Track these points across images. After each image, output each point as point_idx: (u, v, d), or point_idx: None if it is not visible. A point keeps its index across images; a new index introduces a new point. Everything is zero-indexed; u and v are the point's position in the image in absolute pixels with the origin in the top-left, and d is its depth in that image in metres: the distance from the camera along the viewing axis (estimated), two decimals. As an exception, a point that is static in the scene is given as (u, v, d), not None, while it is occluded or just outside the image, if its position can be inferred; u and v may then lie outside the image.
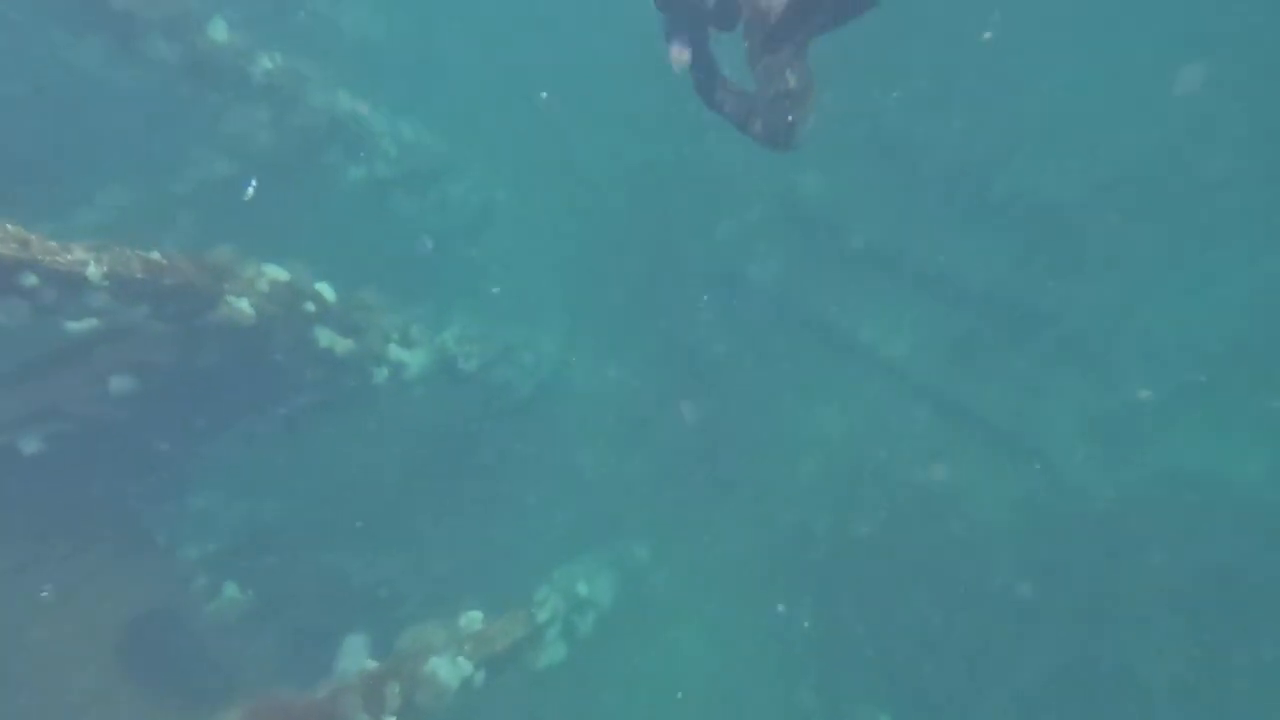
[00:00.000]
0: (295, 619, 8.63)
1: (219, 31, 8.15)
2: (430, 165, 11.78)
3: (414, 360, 7.81)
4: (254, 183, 9.48)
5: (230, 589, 7.85)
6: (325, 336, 6.70)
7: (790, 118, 3.07)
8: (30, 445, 6.02)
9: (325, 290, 6.74)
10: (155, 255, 5.26)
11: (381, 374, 7.46)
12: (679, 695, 9.59)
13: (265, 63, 8.66)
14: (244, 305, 5.90)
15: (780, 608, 9.62)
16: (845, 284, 11.48)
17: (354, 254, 9.73)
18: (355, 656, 6.12)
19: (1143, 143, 11.90)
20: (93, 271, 4.74)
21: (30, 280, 4.48)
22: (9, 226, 4.45)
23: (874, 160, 12.26)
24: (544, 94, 13.35)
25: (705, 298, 11.85)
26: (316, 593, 9.23)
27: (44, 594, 6.52)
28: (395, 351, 7.60)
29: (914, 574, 9.15)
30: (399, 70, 12.59)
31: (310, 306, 6.60)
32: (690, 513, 10.42)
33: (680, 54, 3.15)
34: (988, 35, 11.33)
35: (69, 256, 4.63)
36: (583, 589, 10.01)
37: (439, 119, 12.19)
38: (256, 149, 9.04)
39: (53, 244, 4.58)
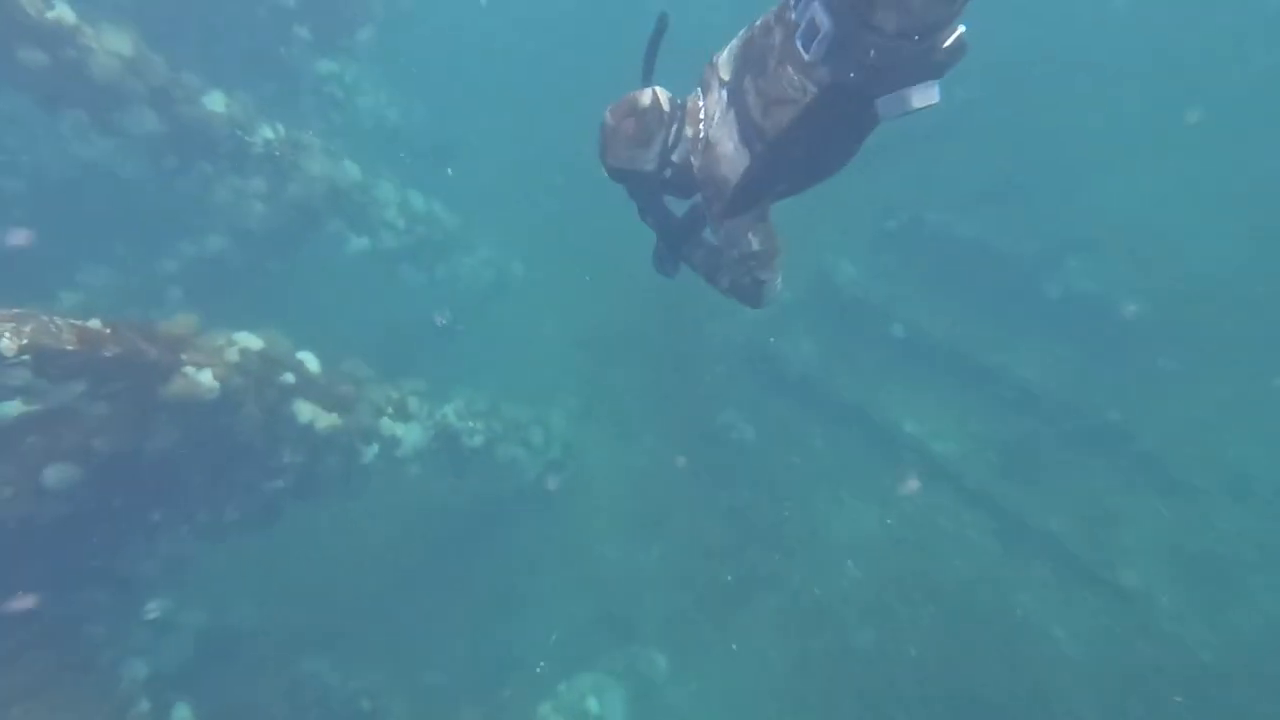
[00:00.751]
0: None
1: (216, 103, 7.72)
2: (440, 238, 11.26)
3: (409, 436, 6.96)
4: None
5: (181, 711, 6.78)
6: (306, 411, 5.90)
7: (758, 277, 2.99)
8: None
9: (309, 360, 5.98)
10: (94, 323, 4.52)
11: (371, 451, 6.61)
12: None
13: (266, 133, 8.22)
14: (205, 378, 5.12)
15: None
16: (886, 372, 10.65)
17: (350, 326, 9.10)
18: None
19: (1221, 249, 11.30)
20: (6, 344, 3.99)
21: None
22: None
23: (914, 252, 11.68)
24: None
25: (731, 375, 11.04)
26: (288, 709, 8.14)
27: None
28: (388, 426, 6.76)
29: (971, 706, 7.87)
30: (413, 148, 12.30)
31: (289, 378, 5.82)
32: (715, 617, 9.25)
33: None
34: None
35: (-16, 321, 3.90)
36: (593, 706, 8.80)
37: (453, 194, 11.78)
38: (252, 220, 8.53)
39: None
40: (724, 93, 2.83)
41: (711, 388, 11.22)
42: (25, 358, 4.09)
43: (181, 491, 6.13)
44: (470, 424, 8.78)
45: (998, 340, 10.48)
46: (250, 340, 5.58)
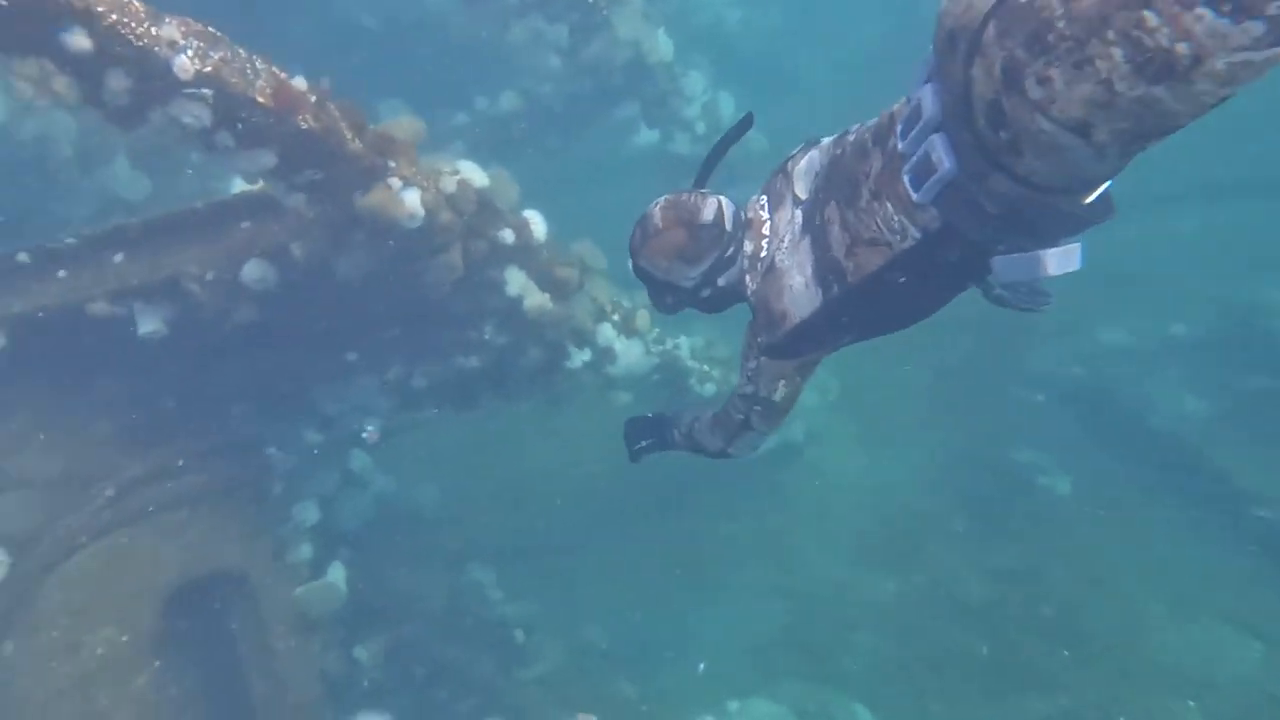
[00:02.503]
0: (397, 635, 6.90)
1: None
2: (739, 159, 9.78)
3: (628, 354, 5.67)
4: None
5: (338, 570, 6.27)
6: (517, 282, 4.81)
7: (752, 424, 2.60)
8: (148, 323, 4.82)
9: (536, 222, 4.85)
10: (299, 81, 3.65)
11: (580, 357, 5.43)
12: None
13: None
14: (411, 198, 4.16)
15: None
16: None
17: (604, 224, 8.06)
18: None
19: None
20: (183, 64, 3.19)
21: (83, 42, 3.01)
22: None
23: None
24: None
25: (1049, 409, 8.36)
26: (443, 610, 7.54)
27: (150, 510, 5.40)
28: (607, 334, 5.50)
29: None
30: (741, 54, 10.90)
31: (507, 236, 4.74)
32: (951, 695, 6.98)
33: None
34: None
35: (154, 30, 3.11)
36: (759, 746, 7.11)
37: (768, 120, 10.22)
38: (546, 80, 7.73)
39: (138, 6, 3.10)
40: (798, 213, 2.41)
41: (1016, 417, 8.64)
42: (206, 92, 3.31)
43: (373, 335, 5.42)
44: (704, 368, 7.32)
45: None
46: (474, 174, 4.54)
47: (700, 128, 9.02)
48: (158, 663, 4.95)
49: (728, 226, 2.50)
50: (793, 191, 2.44)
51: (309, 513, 6.38)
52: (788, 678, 7.38)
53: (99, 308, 4.74)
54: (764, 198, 2.56)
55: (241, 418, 6.10)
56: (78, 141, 6.46)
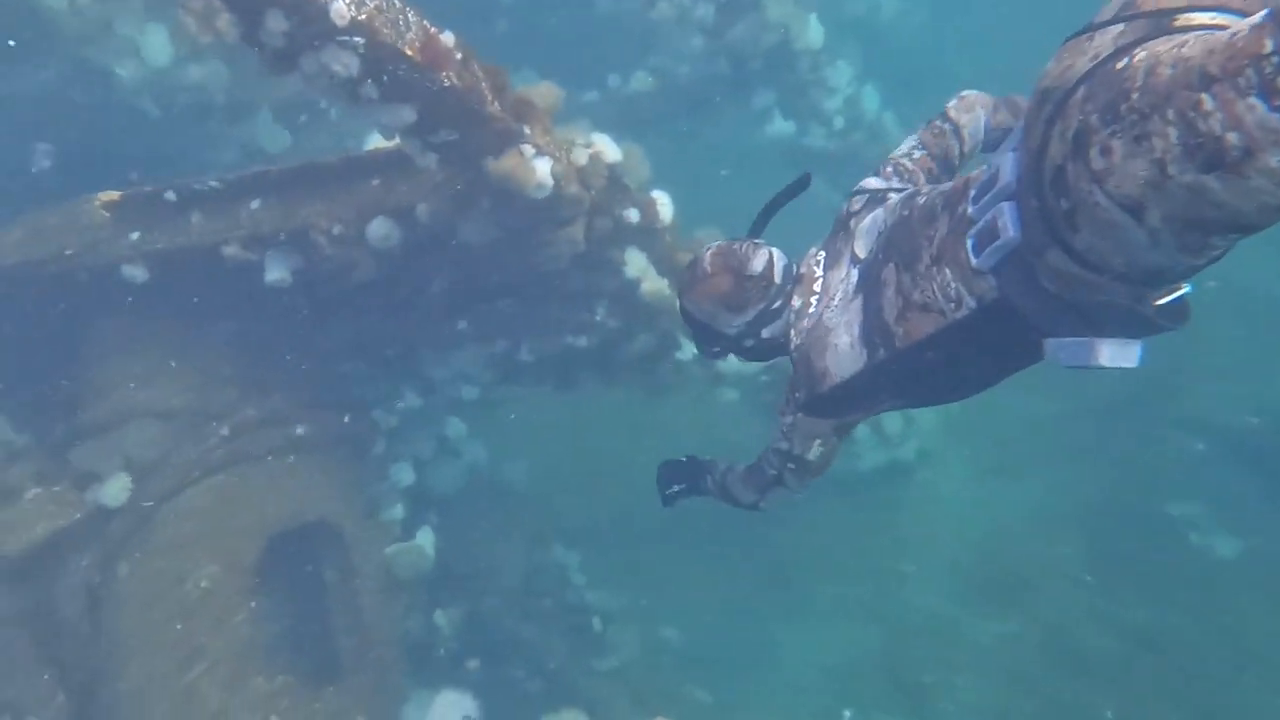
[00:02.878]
0: (476, 607, 6.89)
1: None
2: (876, 158, 9.25)
3: (742, 351, 5.36)
4: None
5: (426, 535, 6.29)
6: (636, 264, 4.60)
7: (785, 481, 2.55)
8: (275, 270, 4.89)
9: (663, 204, 4.61)
10: (447, 38, 3.53)
11: (691, 349, 5.18)
12: None
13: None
14: (541, 166, 3.99)
15: None
16: None
17: (722, 215, 7.73)
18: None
19: None
20: (339, 9, 3.10)
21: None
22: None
23: None
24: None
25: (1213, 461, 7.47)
26: (522, 586, 7.48)
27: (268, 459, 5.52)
28: (723, 328, 5.22)
29: None
30: (890, 47, 10.27)
31: (632, 215, 4.53)
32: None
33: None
34: None
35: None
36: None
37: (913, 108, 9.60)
38: (684, 61, 7.47)
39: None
40: (854, 271, 2.36)
41: (1170, 465, 7.80)
42: (358, 40, 3.23)
43: (486, 305, 5.33)
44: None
45: None
46: (607, 147, 4.34)
47: (839, 122, 8.55)
48: (254, 604, 5.05)
49: (776, 279, 2.50)
50: (851, 249, 2.39)
51: (405, 474, 6.43)
52: (876, 710, 6.94)
53: (232, 251, 4.83)
54: (821, 253, 2.52)
55: (350, 375, 6.18)
56: (229, 91, 6.69)
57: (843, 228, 2.46)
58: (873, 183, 2.48)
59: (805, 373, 2.39)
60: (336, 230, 4.67)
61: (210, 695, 4.65)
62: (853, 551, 7.76)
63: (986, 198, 1.91)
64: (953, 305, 1.99)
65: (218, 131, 6.84)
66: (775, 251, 2.57)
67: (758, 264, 2.51)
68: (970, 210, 1.96)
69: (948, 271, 1.99)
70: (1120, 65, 1.50)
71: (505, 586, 7.40)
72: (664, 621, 7.56)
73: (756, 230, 2.69)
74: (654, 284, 4.56)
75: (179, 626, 4.81)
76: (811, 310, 2.44)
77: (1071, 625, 6.92)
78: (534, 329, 5.34)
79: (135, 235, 4.99)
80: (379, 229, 4.60)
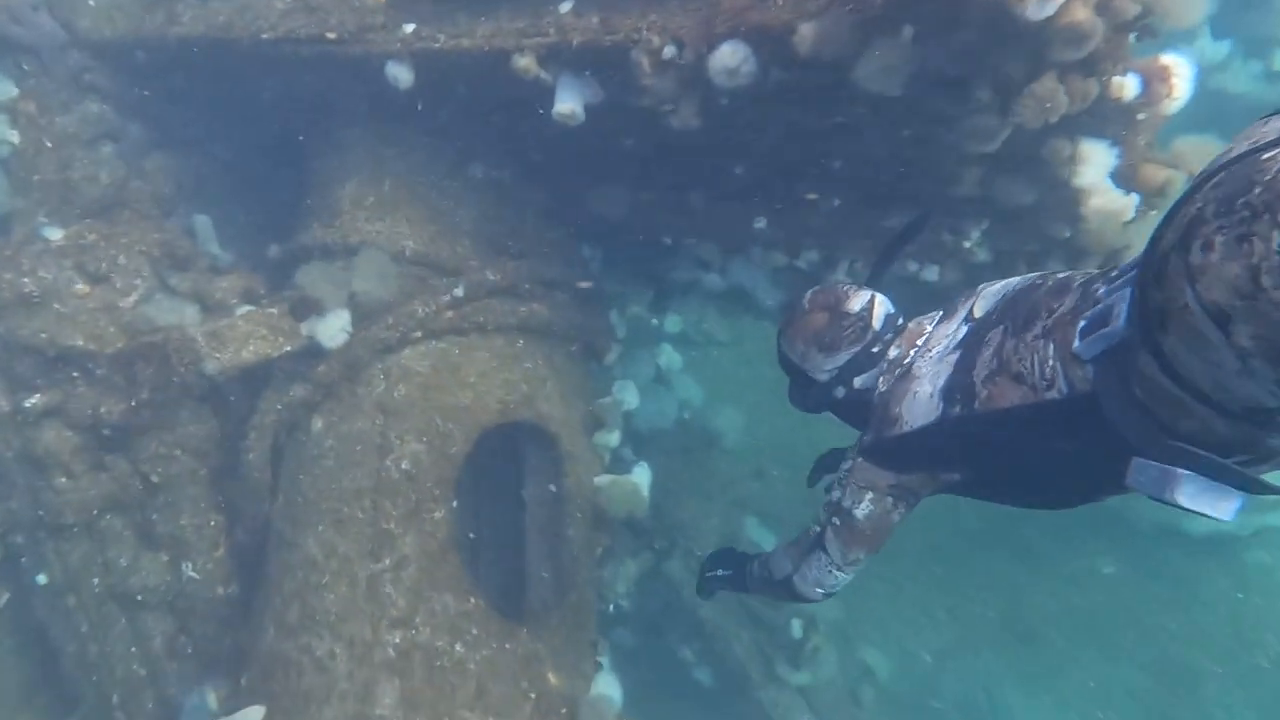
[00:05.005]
0: (661, 570, 5.79)
1: None
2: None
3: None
4: None
5: (643, 473, 5.19)
6: (1097, 164, 3.16)
7: (824, 542, 2.43)
8: (566, 100, 3.83)
9: (1180, 74, 3.11)
10: None
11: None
12: None
13: None
14: None
15: None
16: None
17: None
18: None
19: None
20: None
21: None
22: None
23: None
24: None
25: None
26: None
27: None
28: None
29: None
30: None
31: (1128, 85, 3.08)
32: None
33: None
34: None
35: None
36: None
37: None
38: None
39: None
40: (963, 329, 2.28)
41: None
42: None
43: (805, 205, 4.08)
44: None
45: None
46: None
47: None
48: (455, 503, 4.11)
49: (875, 324, 2.45)
50: (970, 308, 2.32)
51: (629, 396, 5.35)
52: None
53: (525, 63, 3.79)
54: (940, 312, 2.46)
55: (592, 261, 5.14)
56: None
57: (967, 294, 2.36)
58: None
59: (880, 417, 2.31)
60: (667, 52, 3.52)
61: (395, 598, 3.75)
62: (1136, 626, 6.11)
63: (1121, 280, 1.74)
64: (1044, 384, 1.85)
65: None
66: (879, 296, 2.51)
67: (855, 304, 2.47)
68: (1101, 290, 1.81)
69: (1051, 347, 1.86)
70: (1268, 156, 1.31)
71: (693, 552, 6.28)
72: (871, 645, 6.24)
73: (876, 277, 2.67)
74: (1109, 201, 3.12)
75: (370, 505, 3.93)
76: (907, 360, 2.36)
77: None
78: (866, 246, 4.05)
79: (410, 28, 4.07)
80: (729, 56, 3.40)
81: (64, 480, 4.05)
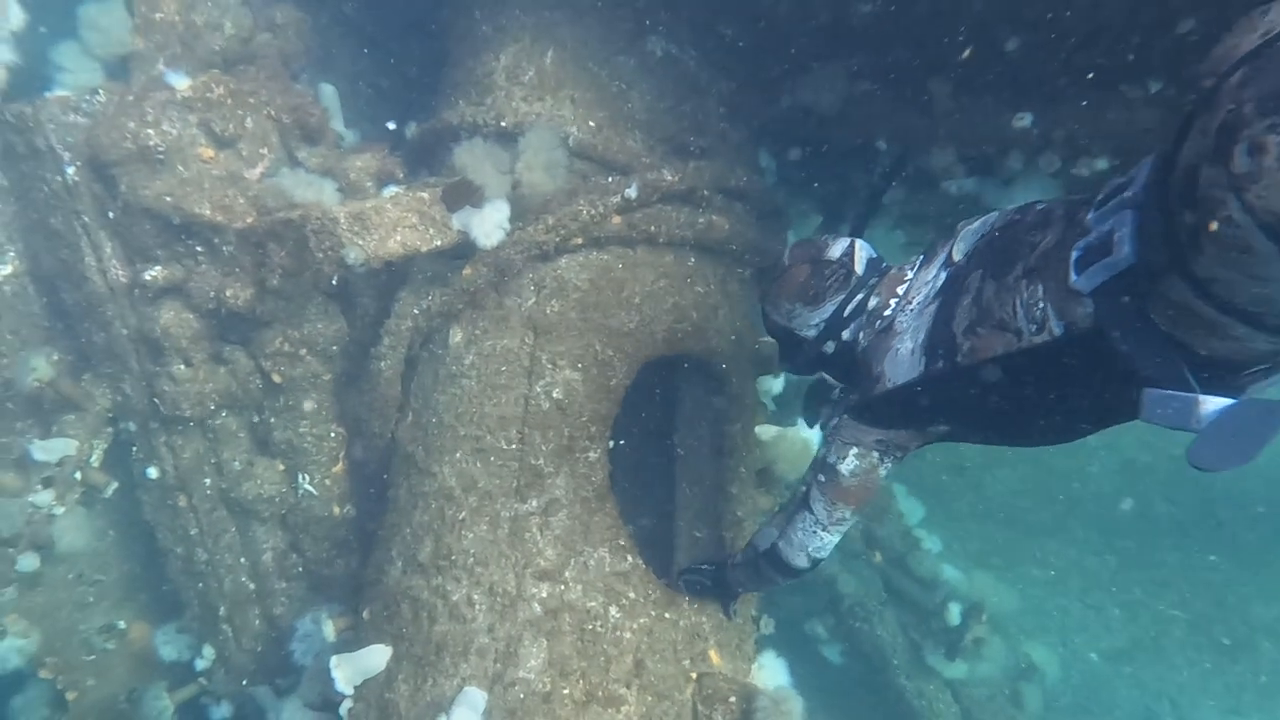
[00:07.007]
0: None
1: None
2: None
3: None
4: None
5: (805, 429, 4.48)
6: None
7: (810, 500, 2.40)
8: None
9: None
10: None
11: None
12: None
13: None
14: None
15: None
16: None
17: None
18: None
19: None
20: None
21: None
22: None
23: None
24: None
25: None
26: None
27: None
28: None
29: None
30: None
31: None
32: None
33: None
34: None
35: None
36: None
37: None
38: None
39: None
40: (943, 275, 2.20)
41: None
42: None
43: (1077, 98, 3.14)
44: None
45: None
46: None
47: None
48: (612, 444, 3.48)
49: (857, 269, 2.43)
50: (949, 251, 2.24)
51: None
52: None
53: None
54: (921, 255, 2.39)
55: (791, 165, 4.32)
56: None
57: (946, 238, 2.29)
58: None
59: (864, 374, 2.28)
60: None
61: (543, 545, 3.18)
62: None
63: (1111, 204, 1.66)
64: (1033, 328, 1.77)
65: None
66: (860, 242, 2.50)
67: (834, 249, 2.47)
68: (1090, 217, 1.71)
69: (1039, 288, 1.78)
70: None
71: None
72: (1036, 640, 5.48)
73: (858, 224, 2.81)
74: None
75: (517, 435, 3.34)
76: (887, 313, 2.31)
77: None
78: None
79: None
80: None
81: (181, 368, 3.60)
